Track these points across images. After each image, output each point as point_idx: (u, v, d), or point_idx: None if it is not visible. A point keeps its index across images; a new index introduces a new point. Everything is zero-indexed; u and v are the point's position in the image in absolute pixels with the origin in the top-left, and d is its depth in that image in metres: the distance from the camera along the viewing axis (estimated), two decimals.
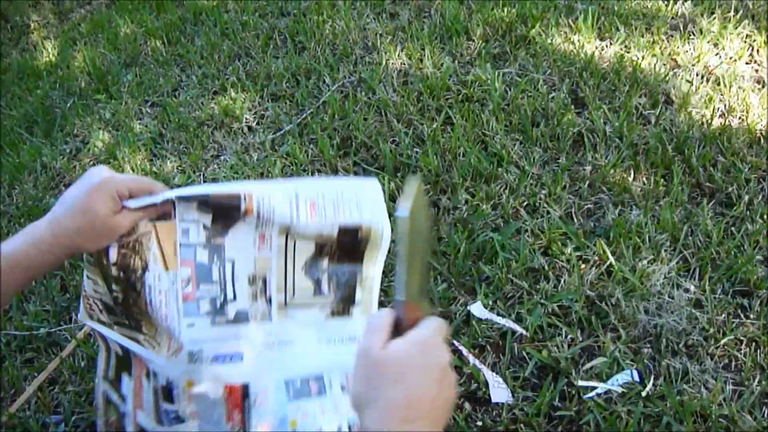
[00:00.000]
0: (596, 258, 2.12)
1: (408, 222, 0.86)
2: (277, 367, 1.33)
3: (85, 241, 1.21)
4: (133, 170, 2.89)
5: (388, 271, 1.89)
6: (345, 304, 1.38)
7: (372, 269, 1.38)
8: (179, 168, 2.87)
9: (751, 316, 1.93)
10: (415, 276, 0.90)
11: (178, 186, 2.66)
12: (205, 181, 2.75)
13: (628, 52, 2.96)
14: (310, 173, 2.60)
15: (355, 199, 1.33)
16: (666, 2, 3.24)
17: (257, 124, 3.01)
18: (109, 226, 1.20)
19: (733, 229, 2.17)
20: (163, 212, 1.25)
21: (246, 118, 3.04)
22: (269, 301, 1.32)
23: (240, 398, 1.30)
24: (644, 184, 2.34)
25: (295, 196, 1.27)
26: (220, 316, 1.28)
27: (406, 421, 0.80)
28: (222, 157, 2.87)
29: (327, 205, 1.30)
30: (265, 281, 1.31)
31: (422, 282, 0.94)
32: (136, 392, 1.37)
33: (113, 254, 1.25)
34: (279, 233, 1.28)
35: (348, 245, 1.33)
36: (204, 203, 1.23)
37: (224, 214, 1.25)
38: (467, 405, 1.86)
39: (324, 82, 3.12)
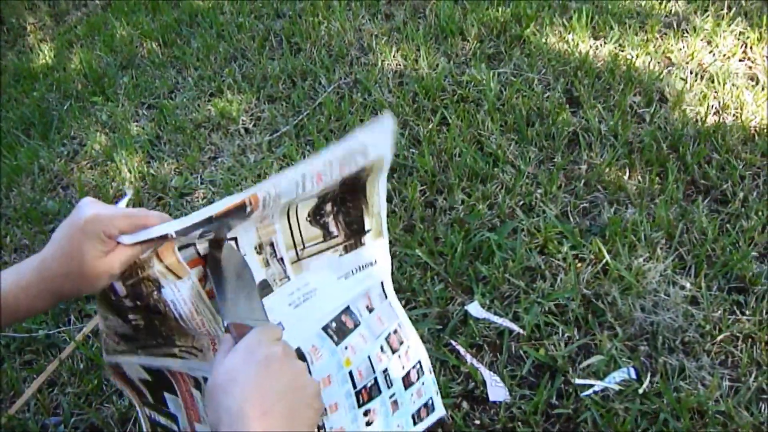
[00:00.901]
0: (592, 256, 2.13)
1: (230, 254, 0.98)
2: (311, 320, 1.31)
3: (75, 286, 1.08)
4: (130, 172, 2.90)
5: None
6: (355, 237, 1.36)
7: (375, 194, 1.33)
8: (176, 170, 2.88)
9: (747, 312, 1.94)
10: (239, 299, 1.01)
11: (175, 187, 2.69)
12: (202, 183, 2.76)
13: (622, 51, 2.97)
14: None
15: (362, 147, 1.24)
16: (659, 0, 3.25)
17: (254, 125, 3.02)
18: (100, 269, 1.06)
19: (728, 225, 2.18)
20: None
21: (242, 120, 3.05)
22: (281, 260, 1.26)
23: None
24: (639, 182, 2.35)
25: (302, 177, 1.18)
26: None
27: (254, 419, 0.83)
28: (219, 159, 2.88)
29: (334, 170, 1.22)
30: (272, 244, 1.25)
31: (248, 302, 1.05)
32: (189, 406, 1.32)
33: (120, 289, 1.16)
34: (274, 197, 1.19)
35: (350, 184, 1.27)
36: (208, 230, 1.14)
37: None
38: (465, 404, 1.86)
39: (320, 83, 3.13)
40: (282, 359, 0.91)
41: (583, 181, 2.38)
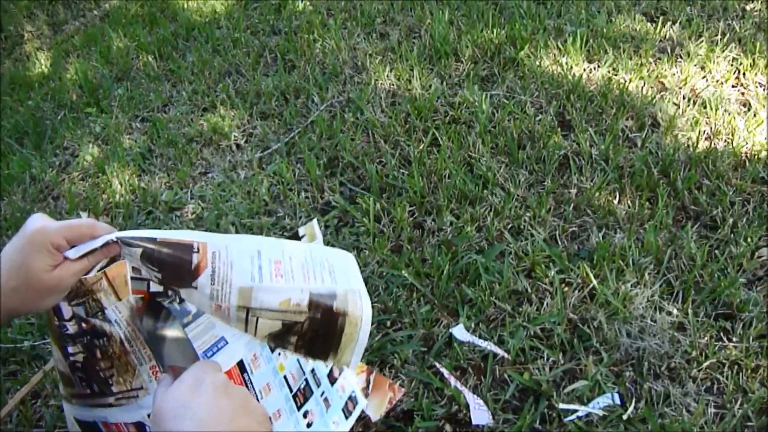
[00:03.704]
0: (579, 281, 2.12)
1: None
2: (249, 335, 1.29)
3: (23, 302, 1.05)
4: (121, 185, 2.89)
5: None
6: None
7: (350, 351, 1.28)
8: (167, 184, 2.87)
9: (734, 339, 1.93)
10: (175, 345, 1.09)
11: (165, 202, 2.67)
12: (191, 198, 2.75)
13: (615, 75, 2.97)
14: (296, 193, 2.60)
15: (327, 264, 1.25)
16: (654, 25, 3.26)
17: (245, 142, 3.01)
18: (48, 283, 1.05)
19: (717, 252, 2.17)
20: (112, 258, 1.15)
21: (234, 136, 3.04)
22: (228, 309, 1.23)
23: (240, 376, 1.27)
24: (629, 207, 2.34)
25: (257, 253, 1.19)
26: (185, 316, 1.20)
27: None
28: (210, 175, 2.87)
29: (296, 267, 1.21)
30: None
31: (184, 348, 1.11)
32: None
33: (66, 311, 1.15)
34: (238, 307, 1.18)
35: (322, 322, 1.23)
36: (149, 257, 1.11)
37: (173, 273, 1.15)
38: (448, 427, 1.85)
39: (313, 101, 3.13)
40: (228, 385, 0.93)
41: (572, 204, 2.37)
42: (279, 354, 1.34)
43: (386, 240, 2.34)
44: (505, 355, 1.96)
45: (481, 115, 2.78)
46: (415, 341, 2.03)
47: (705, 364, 1.87)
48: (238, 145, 3.01)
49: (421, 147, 2.70)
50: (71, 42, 4.52)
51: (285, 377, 1.37)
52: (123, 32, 4.28)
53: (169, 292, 1.18)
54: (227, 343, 1.24)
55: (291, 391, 1.38)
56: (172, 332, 1.13)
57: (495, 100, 2.92)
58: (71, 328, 1.16)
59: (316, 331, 1.24)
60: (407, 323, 2.08)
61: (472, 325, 2.05)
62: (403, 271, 2.20)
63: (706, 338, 1.94)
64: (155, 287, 1.17)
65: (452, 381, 1.92)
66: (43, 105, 3.75)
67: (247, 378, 1.28)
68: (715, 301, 2.04)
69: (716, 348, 1.91)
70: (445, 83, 3.08)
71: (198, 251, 1.12)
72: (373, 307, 2.07)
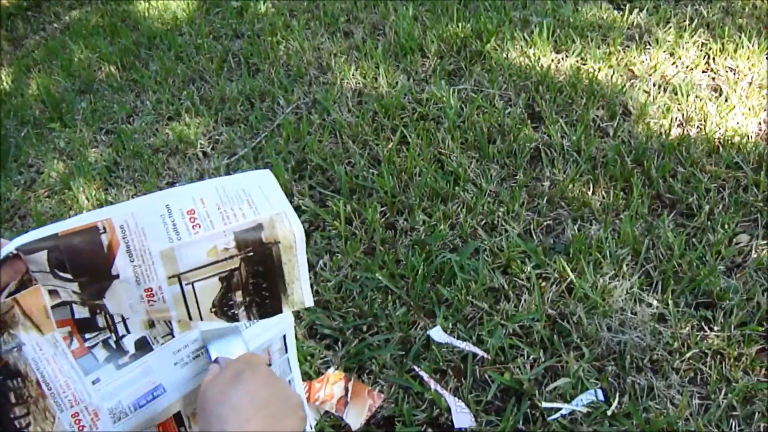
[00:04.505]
0: (557, 275, 2.09)
1: None
2: (199, 380, 1.18)
3: None
4: (87, 200, 2.83)
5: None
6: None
7: (296, 278, 1.21)
8: (134, 197, 2.81)
9: (716, 328, 1.90)
10: (220, 341, 1.10)
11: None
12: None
13: (584, 64, 2.94)
14: None
15: (244, 195, 1.16)
16: (621, 13, 3.23)
17: (212, 149, 2.96)
18: None
19: (694, 240, 2.14)
20: (20, 279, 1.03)
21: (201, 144, 2.99)
22: (169, 322, 1.16)
23: (176, 428, 1.20)
24: (604, 197, 2.31)
25: (167, 209, 1.09)
26: (121, 356, 1.13)
27: (237, 425, 0.91)
28: (177, 184, 2.82)
29: (211, 210, 1.12)
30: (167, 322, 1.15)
31: (232, 343, 1.12)
32: None
33: None
34: (168, 280, 1.10)
35: (258, 259, 1.15)
36: (56, 258, 1.02)
37: (87, 269, 1.05)
38: (429, 431, 1.81)
39: (278, 104, 3.08)
40: (268, 376, 0.99)
41: (546, 198, 2.34)
42: None
43: (359, 242, 2.29)
44: (485, 355, 1.92)
45: (450, 110, 2.74)
46: (392, 345, 1.99)
47: (687, 355, 1.84)
48: (204, 153, 2.95)
49: (390, 146, 2.65)
50: (32, 57, 4.44)
51: None
52: (84, 44, 4.21)
53: (99, 321, 1.09)
54: (165, 391, 1.16)
55: None
56: (221, 326, 1.11)
57: (463, 95, 2.88)
58: None
59: (256, 275, 1.15)
60: (383, 327, 2.04)
61: (450, 326, 2.01)
62: (377, 274, 2.15)
63: (687, 328, 1.91)
64: (80, 312, 1.08)
65: (432, 384, 1.88)
66: (6, 122, 3.68)
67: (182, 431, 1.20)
68: (695, 291, 2.01)
69: (698, 338, 1.88)
70: (411, 80, 3.04)
71: (105, 231, 1.03)
72: (348, 312, 2.04)
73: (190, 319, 1.15)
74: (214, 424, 0.93)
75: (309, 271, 2.05)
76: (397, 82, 3.02)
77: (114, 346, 1.12)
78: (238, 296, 1.16)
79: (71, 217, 1.02)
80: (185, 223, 1.08)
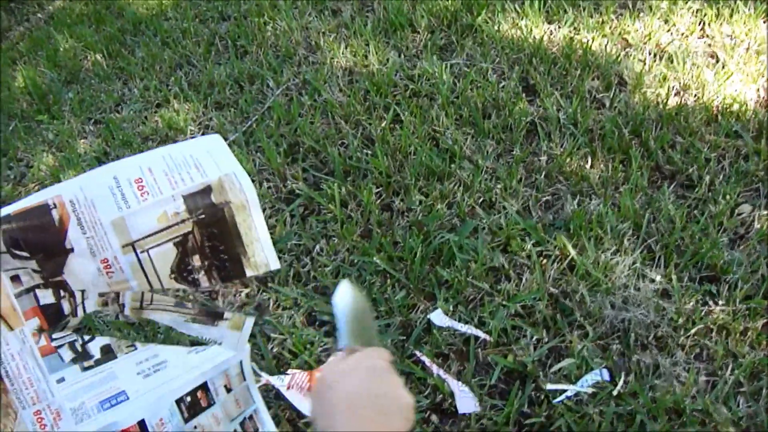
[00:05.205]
0: (558, 252, 2.05)
1: (341, 296, 1.05)
2: (162, 391, 1.24)
3: None
4: None
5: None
6: (209, 317, 1.30)
7: (254, 239, 1.20)
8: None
9: (720, 302, 1.87)
10: (352, 331, 1.06)
11: None
12: None
13: (577, 34, 2.89)
14: (258, 183, 2.51)
15: (191, 160, 1.16)
16: None
17: (202, 134, 2.91)
18: None
19: (696, 212, 2.11)
20: None
21: (190, 130, 2.94)
22: (123, 306, 1.20)
23: None
24: (602, 171, 2.27)
25: (114, 180, 1.10)
26: (86, 360, 1.17)
27: (343, 414, 0.90)
28: None
29: (158, 177, 1.12)
30: (118, 295, 1.18)
31: (362, 335, 1.07)
32: None
33: None
34: (123, 249, 1.11)
35: (210, 221, 1.15)
36: (11, 237, 1.05)
37: (42, 245, 1.08)
38: (434, 417, 1.79)
39: (268, 86, 3.03)
40: (384, 371, 0.98)
41: (543, 173, 2.30)
42: (195, 427, 1.29)
43: (355, 225, 2.26)
44: (487, 337, 1.89)
45: (443, 86, 2.69)
46: (392, 330, 1.96)
47: (692, 331, 1.81)
48: None
49: (383, 125, 2.61)
50: (17, 49, 4.37)
51: None
52: (69, 33, 4.15)
53: (65, 307, 1.11)
54: (128, 398, 1.18)
55: None
56: (357, 321, 1.09)
57: (455, 70, 2.83)
58: None
59: (211, 237, 1.16)
60: (383, 311, 2.01)
61: (451, 308, 1.97)
62: (375, 257, 2.12)
63: (691, 303, 1.87)
64: (44, 296, 1.09)
65: (434, 369, 1.85)
66: None
67: None
68: (698, 264, 1.97)
69: (702, 313, 1.85)
70: (402, 56, 2.99)
71: (55, 206, 1.05)
72: None
73: (151, 288, 1.15)
74: (326, 406, 0.95)
75: (306, 256, 2.03)
76: (387, 59, 2.97)
77: (80, 349, 1.15)
78: (196, 260, 1.17)
79: (22, 198, 1.04)
80: (133, 192, 1.09)
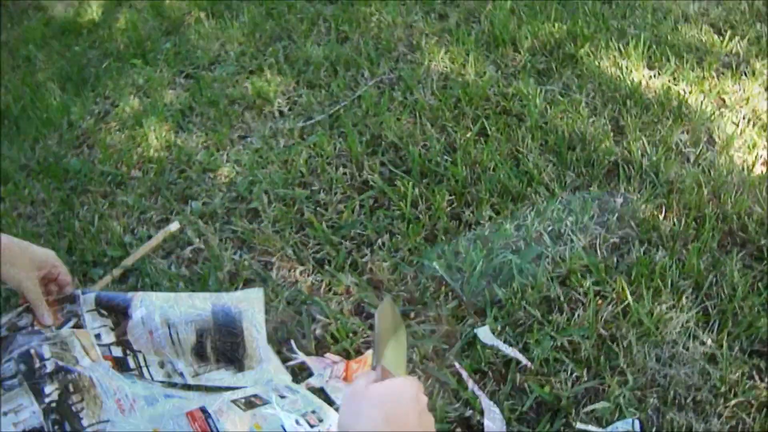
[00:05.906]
0: (614, 295, 2.05)
1: (383, 313, 1.12)
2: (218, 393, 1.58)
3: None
4: (157, 140, 2.85)
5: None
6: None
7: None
8: (204, 144, 2.83)
9: (766, 379, 1.85)
10: (388, 352, 1.11)
11: (200, 162, 2.63)
12: (227, 161, 2.71)
13: (676, 85, 2.87)
14: (335, 168, 2.54)
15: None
16: (721, 38, 3.15)
17: (289, 109, 2.96)
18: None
19: (760, 284, 2.08)
20: (75, 323, 1.52)
21: (278, 102, 2.99)
22: (181, 374, 1.54)
23: (204, 420, 1.41)
24: (674, 225, 2.26)
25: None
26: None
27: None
28: (248, 139, 2.82)
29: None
30: (172, 363, 1.55)
31: (396, 357, 1.14)
32: None
33: (45, 350, 1.39)
34: (161, 323, 1.53)
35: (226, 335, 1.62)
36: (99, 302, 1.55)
37: (116, 313, 1.55)
38: (459, 430, 1.79)
39: (362, 75, 3.06)
40: (417, 407, 1.02)
41: (616, 214, 2.29)
42: (254, 415, 1.50)
43: (421, 227, 2.28)
44: (529, 363, 1.90)
45: (534, 109, 2.70)
46: (436, 337, 1.97)
47: (732, 402, 1.79)
48: (281, 112, 2.95)
49: (468, 135, 2.62)
50: None
51: None
52: None
53: (130, 363, 1.52)
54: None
55: None
56: (394, 341, 1.18)
57: (549, 96, 2.84)
58: (50, 366, 1.37)
59: (223, 341, 1.72)
60: (431, 317, 2.02)
61: (499, 328, 1.98)
62: (434, 263, 2.13)
63: (737, 374, 1.85)
64: (115, 351, 1.51)
65: (470, 384, 1.86)
66: (89, 52, 3.72)
67: (210, 423, 1.45)
68: (751, 337, 1.95)
69: (747, 386, 1.83)
70: (500, 72, 3.00)
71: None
72: (398, 295, 2.02)
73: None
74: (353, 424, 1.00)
75: (367, 247, 2.11)
76: (485, 72, 2.98)
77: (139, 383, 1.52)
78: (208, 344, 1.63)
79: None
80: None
